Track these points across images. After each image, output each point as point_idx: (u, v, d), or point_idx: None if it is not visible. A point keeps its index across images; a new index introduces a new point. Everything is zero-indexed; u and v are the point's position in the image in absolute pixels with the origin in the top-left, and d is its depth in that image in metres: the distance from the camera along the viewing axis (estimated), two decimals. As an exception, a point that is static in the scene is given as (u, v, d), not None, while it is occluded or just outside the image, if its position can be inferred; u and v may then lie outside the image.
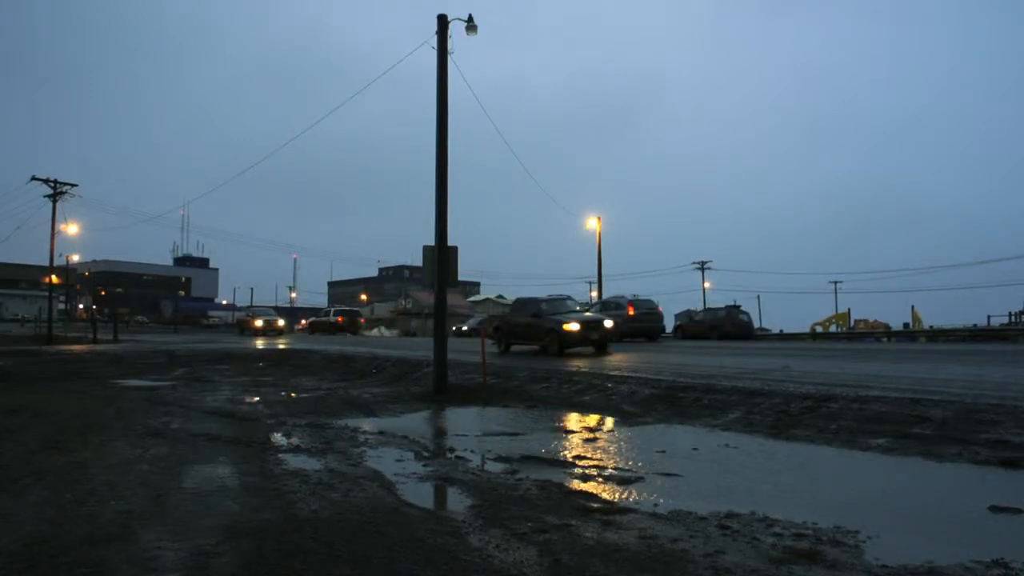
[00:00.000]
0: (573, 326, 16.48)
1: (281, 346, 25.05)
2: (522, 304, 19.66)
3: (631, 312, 25.65)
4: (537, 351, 17.56)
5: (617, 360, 14.79)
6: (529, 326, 17.81)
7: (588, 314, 18.90)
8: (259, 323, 38.31)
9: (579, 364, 13.76)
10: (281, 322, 40.13)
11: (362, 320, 51.53)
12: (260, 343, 28.37)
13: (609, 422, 8.36)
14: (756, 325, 40.57)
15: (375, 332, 57.75)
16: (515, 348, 18.62)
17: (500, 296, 75.80)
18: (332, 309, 50.71)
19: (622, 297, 27.51)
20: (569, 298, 19.41)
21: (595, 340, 16.90)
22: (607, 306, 26.56)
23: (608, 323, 17.58)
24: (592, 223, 42.35)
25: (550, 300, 18.76)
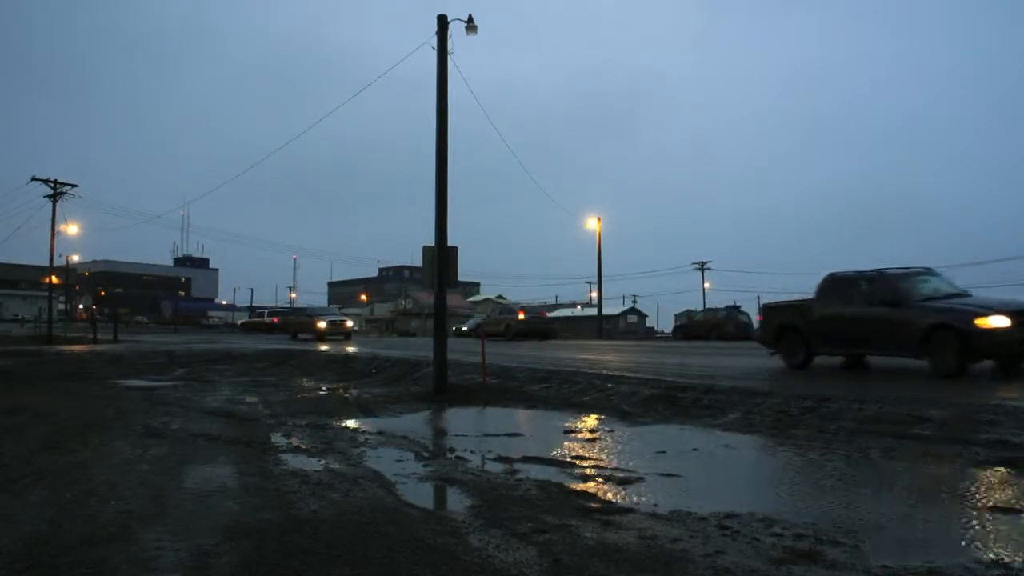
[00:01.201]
0: (998, 321, 9.02)
1: (281, 347, 25.04)
2: (849, 284, 11.21)
3: (521, 316, 31.16)
4: (847, 365, 11.54)
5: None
6: (875, 322, 10.35)
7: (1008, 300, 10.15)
8: (323, 324, 30.20)
9: (574, 364, 13.72)
10: (350, 323, 32.66)
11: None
12: (323, 348, 23.17)
13: (609, 422, 8.35)
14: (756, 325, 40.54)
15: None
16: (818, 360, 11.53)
17: (500, 296, 75.84)
18: (266, 311, 54.15)
19: (516, 304, 36.86)
20: (931, 271, 11.12)
21: None
22: (504, 311, 32.11)
23: None
24: (592, 223, 42.37)
25: (907, 275, 10.76)
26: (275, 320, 49.19)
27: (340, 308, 59.40)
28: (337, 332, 30.33)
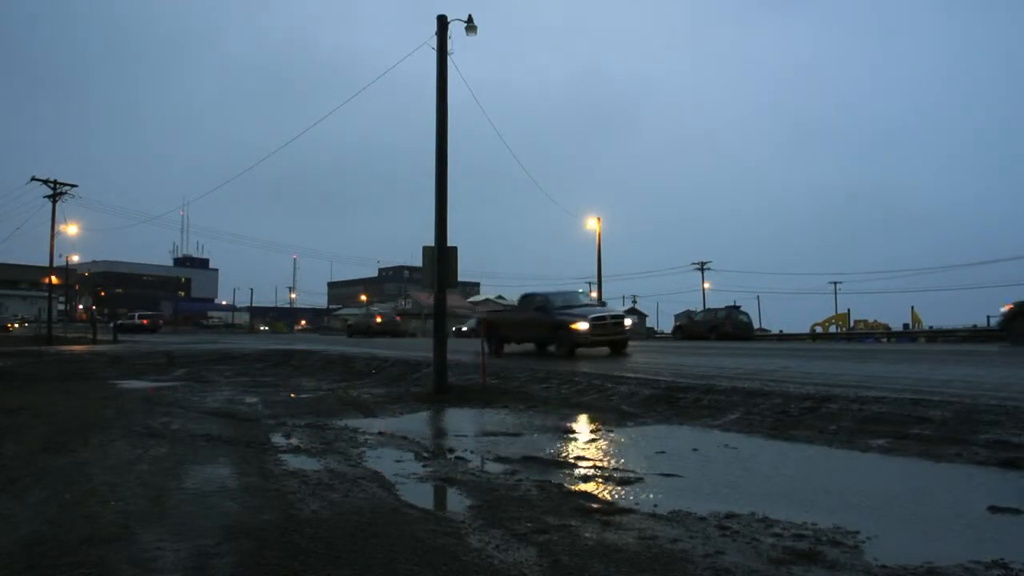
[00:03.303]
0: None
1: (281, 347, 25.04)
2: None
3: (379, 319, 42.69)
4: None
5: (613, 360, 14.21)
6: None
7: None
8: (583, 326, 15.64)
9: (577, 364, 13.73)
10: (628, 321, 17.68)
11: (161, 322, 58.97)
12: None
13: (609, 422, 8.35)
14: (756, 326, 40.71)
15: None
16: None
17: (500, 296, 75.84)
18: (136, 314, 58.09)
19: (375, 311, 47.75)
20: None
21: None
22: (367, 315, 44.35)
23: None
24: (592, 223, 42.36)
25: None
26: (144, 322, 53.65)
27: (139, 313, 61.33)
28: (605, 337, 16.12)
